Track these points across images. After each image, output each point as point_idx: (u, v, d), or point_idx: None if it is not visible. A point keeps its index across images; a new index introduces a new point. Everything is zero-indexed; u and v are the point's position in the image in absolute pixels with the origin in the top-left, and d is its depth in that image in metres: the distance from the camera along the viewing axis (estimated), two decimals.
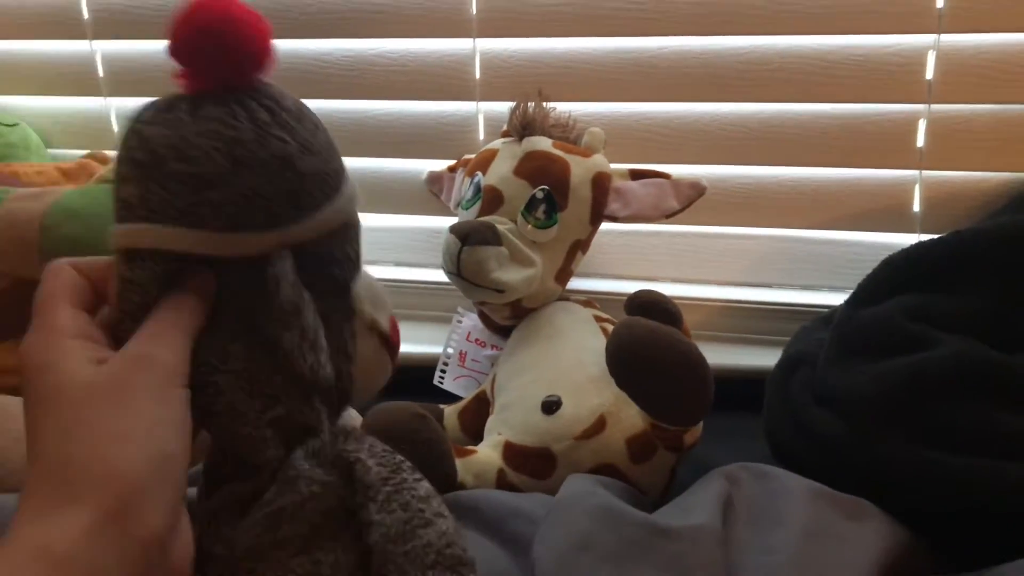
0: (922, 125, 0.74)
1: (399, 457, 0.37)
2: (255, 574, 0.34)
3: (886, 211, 0.77)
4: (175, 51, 0.34)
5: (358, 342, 0.38)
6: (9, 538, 0.29)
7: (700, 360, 0.52)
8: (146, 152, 0.33)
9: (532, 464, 0.59)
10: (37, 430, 0.31)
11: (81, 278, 0.35)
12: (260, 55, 0.35)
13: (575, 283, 0.76)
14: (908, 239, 0.77)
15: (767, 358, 0.73)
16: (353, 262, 0.38)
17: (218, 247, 0.34)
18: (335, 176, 0.37)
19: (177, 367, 0.33)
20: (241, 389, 0.35)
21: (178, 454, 0.32)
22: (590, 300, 0.73)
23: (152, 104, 0.35)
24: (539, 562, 0.43)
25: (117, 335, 0.34)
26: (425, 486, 0.36)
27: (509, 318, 0.71)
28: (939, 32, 0.71)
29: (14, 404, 0.57)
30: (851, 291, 0.61)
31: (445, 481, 0.56)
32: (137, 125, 0.34)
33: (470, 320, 0.78)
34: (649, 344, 0.52)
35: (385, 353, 0.41)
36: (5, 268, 0.68)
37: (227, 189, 0.33)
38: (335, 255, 0.37)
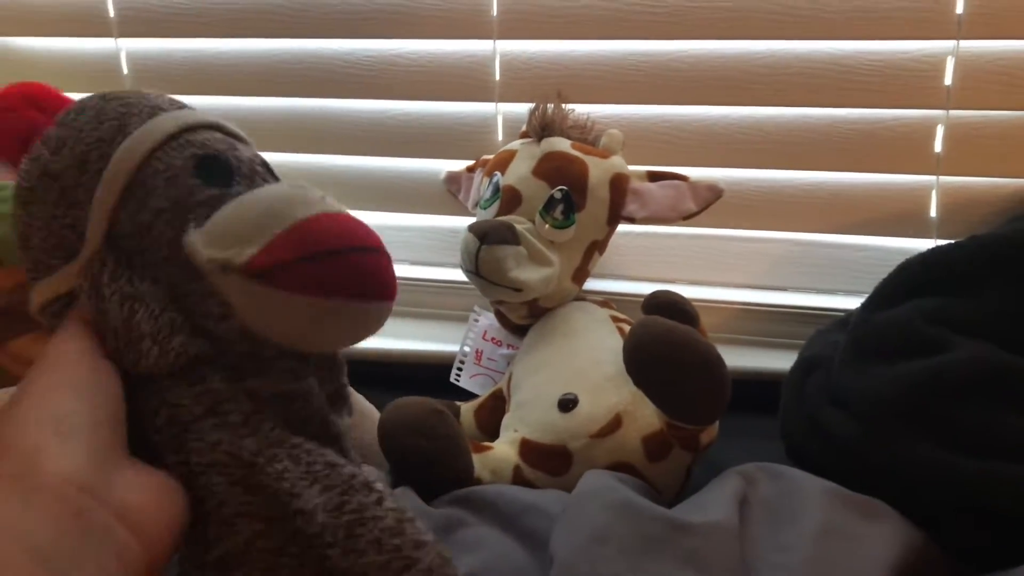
0: (940, 131, 0.74)
1: (347, 472, 0.33)
2: None
3: (903, 216, 0.77)
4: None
5: (228, 294, 0.33)
6: None
7: (717, 360, 0.53)
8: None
9: (548, 461, 0.59)
10: None
11: None
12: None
13: (591, 284, 0.76)
14: (924, 244, 0.76)
15: (783, 361, 0.74)
16: (169, 213, 0.34)
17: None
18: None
19: (71, 347, 0.34)
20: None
21: (80, 410, 0.32)
22: (607, 301, 0.73)
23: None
24: (557, 554, 0.43)
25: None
26: (388, 508, 0.33)
27: (526, 317, 0.72)
28: (959, 38, 0.71)
29: None
30: (866, 295, 0.61)
31: (462, 476, 0.57)
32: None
33: (487, 319, 0.78)
34: (667, 343, 0.53)
35: (264, 286, 0.32)
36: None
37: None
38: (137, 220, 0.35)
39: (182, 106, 0.39)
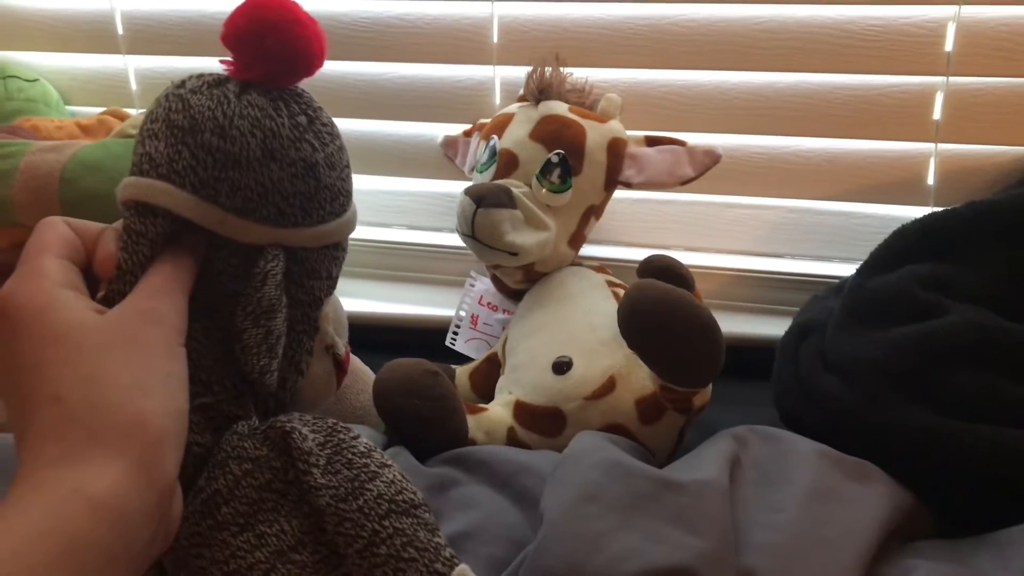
0: (939, 97, 0.73)
1: (331, 420, 0.37)
2: (203, 559, 0.34)
3: (900, 183, 0.77)
4: (232, 40, 0.35)
5: (313, 359, 0.39)
6: (40, 479, 0.29)
7: (711, 322, 0.53)
8: (186, 117, 0.35)
9: (542, 423, 0.60)
10: (47, 370, 0.31)
11: (73, 235, 0.36)
12: (314, 60, 0.36)
13: (587, 249, 0.76)
14: (921, 212, 0.75)
15: (778, 327, 0.74)
16: (332, 282, 0.39)
17: (224, 226, 0.35)
18: (346, 197, 0.39)
19: (181, 325, 0.34)
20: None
21: (185, 409, 0.33)
22: (602, 266, 0.73)
23: (199, 76, 0.36)
24: (547, 512, 0.43)
25: (115, 287, 0.35)
26: (363, 442, 0.36)
27: (521, 282, 0.72)
28: (960, 3, 0.70)
29: None
30: (862, 262, 0.61)
31: (456, 437, 0.57)
32: (181, 91, 0.36)
33: (482, 284, 0.78)
34: (661, 305, 0.53)
35: (334, 376, 0.42)
36: (26, 220, 0.69)
37: (251, 175, 0.34)
38: (319, 270, 0.38)
39: None
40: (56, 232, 0.35)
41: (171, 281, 0.35)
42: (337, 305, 0.42)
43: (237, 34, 0.35)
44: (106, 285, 0.36)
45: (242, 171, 0.34)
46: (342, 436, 0.36)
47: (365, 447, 0.36)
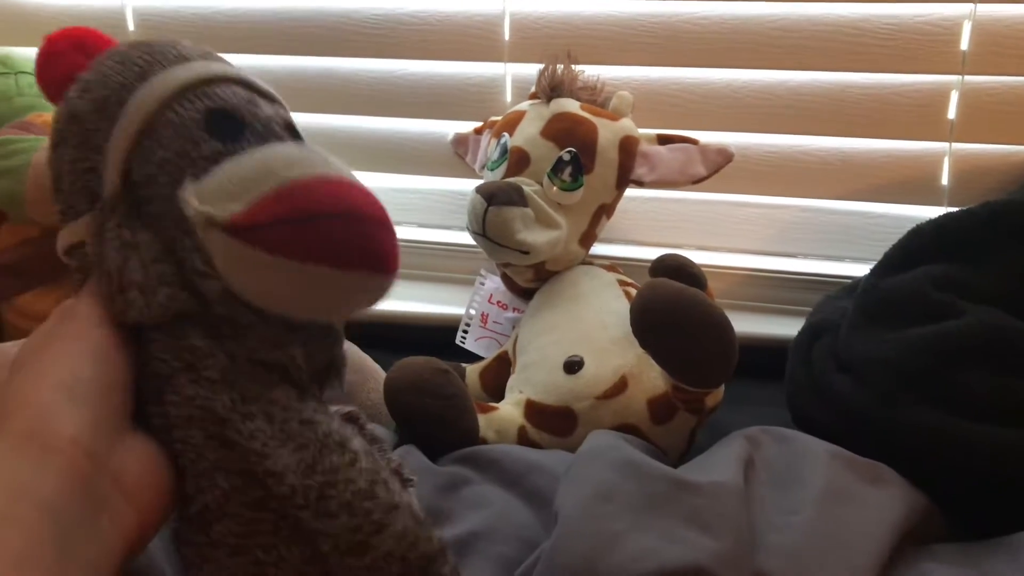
0: (954, 96, 0.73)
1: (322, 428, 0.33)
2: (204, 573, 0.33)
3: (913, 183, 0.76)
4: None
5: (213, 251, 0.32)
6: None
7: (725, 322, 0.52)
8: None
9: (553, 422, 0.59)
10: None
11: None
12: None
13: (598, 248, 0.76)
14: (935, 212, 0.74)
15: (789, 327, 0.73)
16: (175, 165, 0.34)
17: None
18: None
19: (93, 312, 0.34)
20: None
21: (94, 376, 0.32)
22: (613, 265, 0.73)
23: None
24: (562, 510, 0.43)
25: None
26: (361, 468, 0.32)
27: (532, 280, 0.71)
28: (976, 1, 0.70)
29: None
30: (874, 262, 0.61)
31: (467, 435, 0.57)
32: None
33: (492, 282, 0.78)
34: (674, 304, 0.52)
35: (244, 246, 0.30)
36: (39, 217, 0.69)
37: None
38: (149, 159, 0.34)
39: (215, 59, 0.38)
40: None
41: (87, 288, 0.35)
42: (233, 169, 0.33)
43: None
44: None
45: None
46: (334, 460, 0.32)
47: (367, 481, 0.32)
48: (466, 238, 0.70)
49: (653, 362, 0.56)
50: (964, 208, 0.59)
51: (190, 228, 0.32)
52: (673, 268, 0.59)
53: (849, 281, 0.72)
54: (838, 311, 0.62)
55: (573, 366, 0.60)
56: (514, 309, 0.77)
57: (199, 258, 0.32)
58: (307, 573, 0.32)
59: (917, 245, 0.60)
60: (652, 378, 0.58)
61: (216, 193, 0.32)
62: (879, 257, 0.62)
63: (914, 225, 0.61)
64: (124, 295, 0.32)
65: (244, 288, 0.32)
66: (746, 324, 0.76)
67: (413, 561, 0.32)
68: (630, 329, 0.56)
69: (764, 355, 0.65)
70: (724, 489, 0.44)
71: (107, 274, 0.33)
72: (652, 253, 0.81)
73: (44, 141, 0.71)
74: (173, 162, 0.33)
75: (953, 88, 0.73)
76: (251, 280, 0.32)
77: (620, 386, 0.59)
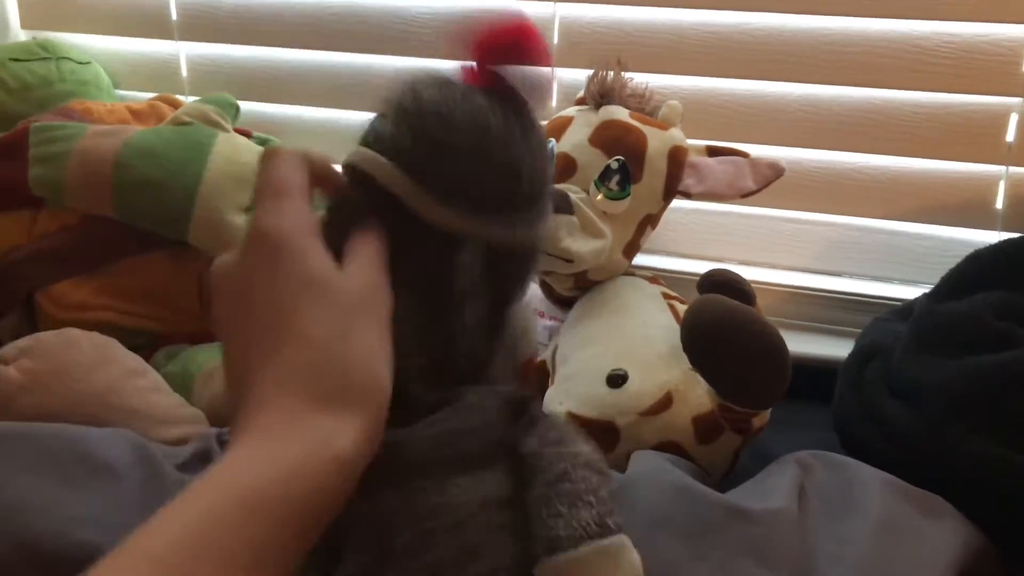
0: (1014, 119, 0.71)
1: (571, 449, 0.37)
2: (421, 489, 0.35)
3: (967, 206, 0.74)
4: (483, 53, 0.38)
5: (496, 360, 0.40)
6: (293, 417, 0.30)
7: (780, 342, 0.51)
8: (414, 105, 0.38)
9: (595, 437, 0.56)
10: (301, 311, 0.32)
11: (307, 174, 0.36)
12: (545, 88, 0.39)
13: (639, 259, 0.74)
14: (988, 236, 0.74)
15: (834, 348, 0.72)
16: (523, 285, 0.41)
17: (428, 211, 0.37)
18: (544, 201, 0.41)
19: (391, 304, 0.35)
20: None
21: None
22: (655, 277, 0.72)
23: (431, 74, 0.39)
24: None
25: (327, 234, 0.36)
26: (595, 481, 0.36)
27: (572, 289, 0.70)
28: None
29: (86, 339, 0.57)
30: (924, 285, 0.60)
31: None
32: (416, 84, 0.39)
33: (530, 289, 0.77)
34: (728, 322, 0.51)
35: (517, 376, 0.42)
36: (78, 205, 0.69)
37: (462, 168, 0.37)
38: (511, 272, 0.40)
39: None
40: (302, 174, 0.36)
41: (380, 255, 0.35)
42: (527, 316, 0.43)
43: (487, 48, 0.38)
44: None
45: (452, 160, 0.37)
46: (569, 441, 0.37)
47: (599, 498, 0.36)
48: None
49: (699, 379, 0.55)
50: None
51: (499, 334, 0.40)
52: (723, 283, 0.58)
53: (897, 303, 0.71)
54: (890, 334, 0.61)
55: (617, 380, 0.59)
56: (551, 318, 0.75)
57: (491, 362, 0.40)
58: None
59: (976, 271, 0.58)
60: (698, 395, 0.57)
61: (520, 327, 0.42)
62: (928, 279, 0.61)
63: (971, 250, 0.59)
64: (470, 345, 0.38)
65: None
66: (791, 343, 0.73)
67: (595, 464, 0.36)
68: (676, 344, 0.54)
69: (807, 375, 0.63)
70: (780, 517, 0.43)
71: (463, 317, 0.37)
72: (695, 266, 0.80)
73: (86, 129, 0.70)
74: (519, 284, 0.41)
75: (1013, 110, 0.71)
76: None
77: (665, 402, 0.57)
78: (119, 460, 0.48)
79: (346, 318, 0.32)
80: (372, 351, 0.32)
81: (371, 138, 0.39)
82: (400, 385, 0.35)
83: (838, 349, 0.69)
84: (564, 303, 0.72)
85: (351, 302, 0.33)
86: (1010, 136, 0.72)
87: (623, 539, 0.34)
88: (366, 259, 0.35)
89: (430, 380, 0.37)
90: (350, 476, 0.30)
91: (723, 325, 0.51)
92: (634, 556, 0.34)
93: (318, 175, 0.37)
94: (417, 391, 0.37)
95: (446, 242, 0.37)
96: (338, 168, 0.39)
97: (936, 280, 0.61)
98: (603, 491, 0.35)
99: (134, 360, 0.59)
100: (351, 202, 0.38)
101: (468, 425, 0.36)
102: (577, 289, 0.70)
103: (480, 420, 0.36)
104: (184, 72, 0.92)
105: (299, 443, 0.29)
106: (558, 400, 0.62)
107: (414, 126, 0.37)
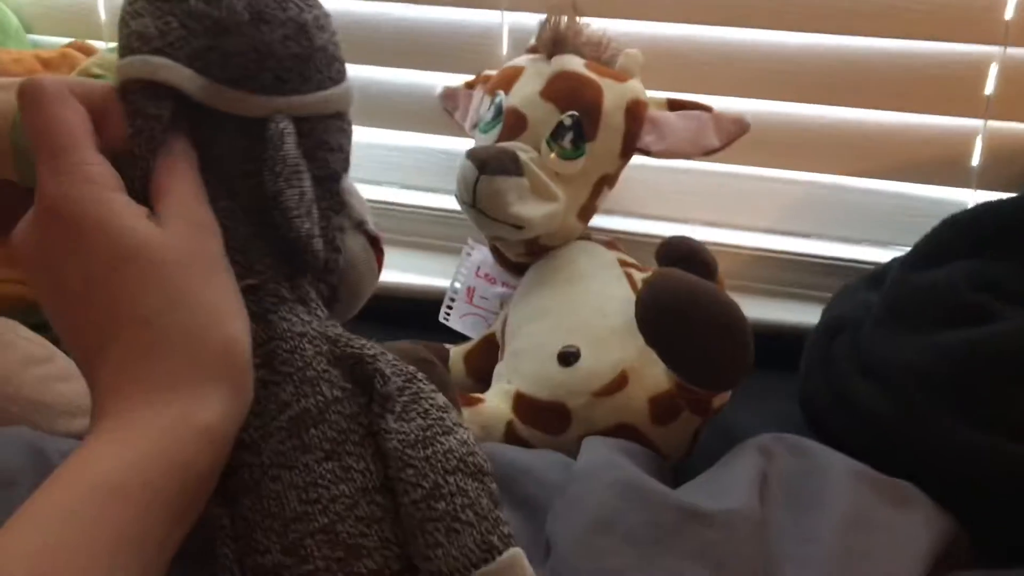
0: (993, 69, 0.67)
1: (411, 368, 0.36)
2: (280, 482, 0.33)
3: (941, 162, 0.71)
4: None
5: (347, 237, 0.38)
6: (147, 400, 0.29)
7: (741, 321, 0.48)
8: None
9: (545, 418, 0.55)
10: (125, 291, 0.29)
11: (87, 113, 0.32)
12: None
13: (596, 220, 0.70)
14: (961, 194, 0.71)
15: (800, 313, 0.70)
16: (344, 156, 0.39)
17: (224, 101, 0.34)
18: (341, 63, 0.39)
19: (218, 228, 0.33)
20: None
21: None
22: (613, 241, 0.68)
23: None
24: (556, 544, 0.39)
25: (129, 174, 0.33)
26: (441, 397, 0.36)
27: (524, 255, 0.66)
28: None
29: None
30: (895, 247, 0.57)
31: None
32: None
33: (480, 253, 0.73)
34: (687, 301, 0.48)
35: (372, 256, 0.40)
36: None
37: (242, 40, 0.34)
38: (329, 142, 0.38)
39: None
40: (78, 114, 0.31)
41: (194, 182, 0.33)
42: (355, 187, 0.40)
43: None
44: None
45: (232, 38, 0.34)
46: (422, 386, 0.35)
47: (444, 402, 0.35)
48: (453, 203, 0.65)
49: (657, 357, 0.51)
50: (1006, 197, 0.55)
51: (340, 210, 0.38)
52: (684, 256, 0.54)
53: (867, 266, 0.68)
54: (860, 305, 0.58)
55: (568, 357, 0.55)
56: (503, 284, 0.72)
57: (339, 237, 0.38)
58: (388, 485, 0.34)
59: (952, 237, 0.55)
60: (655, 374, 0.54)
61: (356, 199, 0.39)
62: (900, 241, 0.58)
63: (945, 211, 0.56)
64: (313, 224, 0.35)
65: (348, 275, 0.39)
66: (755, 309, 0.71)
67: (469, 464, 0.33)
68: (631, 318, 0.51)
69: (773, 343, 0.60)
70: (738, 518, 0.41)
71: (301, 191, 0.35)
72: (655, 227, 0.77)
73: None
74: (339, 154, 0.39)
75: (993, 60, 0.67)
76: (357, 268, 0.39)
77: (620, 382, 0.54)
78: (12, 464, 0.43)
79: (178, 282, 0.30)
80: (215, 309, 0.30)
81: (135, 43, 0.34)
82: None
83: (805, 315, 0.66)
84: (517, 269, 0.68)
85: (178, 261, 0.30)
86: (989, 88, 0.68)
87: (512, 555, 0.31)
88: (180, 196, 0.32)
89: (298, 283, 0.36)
90: (222, 443, 0.30)
91: (681, 303, 0.48)
92: (527, 570, 0.31)
93: (95, 104, 0.32)
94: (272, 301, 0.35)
95: (251, 130, 0.35)
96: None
97: (908, 242, 0.58)
98: (483, 500, 0.33)
99: (38, 345, 0.54)
100: (144, 125, 0.33)
101: (318, 404, 0.34)
102: (529, 255, 0.66)
103: (330, 395, 0.34)
104: (103, 15, 0.85)
105: (155, 424, 0.28)
106: (507, 378, 0.59)
107: (177, 12, 0.34)
